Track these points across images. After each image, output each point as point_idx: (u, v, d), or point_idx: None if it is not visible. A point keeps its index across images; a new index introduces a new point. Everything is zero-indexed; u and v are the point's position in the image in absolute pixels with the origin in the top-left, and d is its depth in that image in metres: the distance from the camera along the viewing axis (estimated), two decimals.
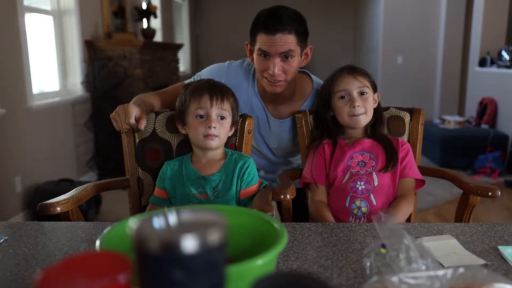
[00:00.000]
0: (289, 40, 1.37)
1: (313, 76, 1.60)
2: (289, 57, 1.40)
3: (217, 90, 1.27)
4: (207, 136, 1.25)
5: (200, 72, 1.62)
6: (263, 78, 1.45)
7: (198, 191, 1.27)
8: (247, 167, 1.28)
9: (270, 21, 1.36)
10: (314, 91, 1.56)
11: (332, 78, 1.41)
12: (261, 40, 1.39)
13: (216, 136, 1.25)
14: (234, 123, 1.33)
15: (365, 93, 1.37)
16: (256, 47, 1.42)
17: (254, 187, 1.29)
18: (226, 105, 1.27)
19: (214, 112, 1.25)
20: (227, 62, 1.60)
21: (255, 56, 1.45)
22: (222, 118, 1.27)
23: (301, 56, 1.45)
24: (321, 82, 1.56)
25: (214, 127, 1.24)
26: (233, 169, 1.28)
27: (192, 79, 1.54)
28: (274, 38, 1.36)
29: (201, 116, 1.26)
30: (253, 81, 1.56)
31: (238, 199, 1.28)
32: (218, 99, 1.25)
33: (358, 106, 1.34)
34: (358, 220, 1.30)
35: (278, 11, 1.38)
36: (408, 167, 1.36)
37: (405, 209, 1.31)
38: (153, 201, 1.33)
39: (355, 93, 1.36)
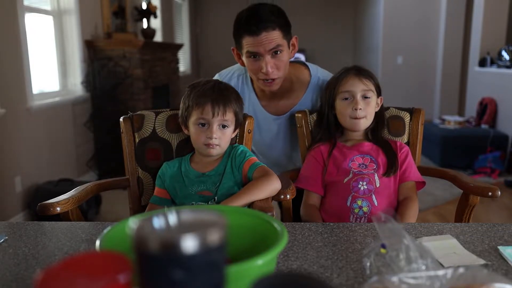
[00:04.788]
0: (275, 36, 1.37)
1: (309, 64, 1.59)
2: (279, 52, 1.40)
3: (220, 99, 1.25)
4: (207, 144, 1.25)
5: None
6: (258, 80, 1.45)
7: (200, 189, 1.28)
8: (236, 150, 1.31)
9: (252, 22, 1.35)
10: (315, 80, 1.56)
11: (338, 77, 1.41)
12: (247, 42, 1.38)
13: (217, 145, 1.26)
14: (238, 125, 1.34)
15: (368, 97, 1.36)
16: (244, 50, 1.41)
17: (250, 159, 1.29)
18: (229, 115, 1.26)
19: (216, 122, 1.25)
20: (216, 76, 1.60)
21: (244, 59, 1.44)
22: (224, 126, 1.27)
23: (289, 48, 1.45)
24: (319, 68, 1.57)
25: (215, 138, 1.25)
26: (227, 159, 1.30)
27: None
28: (260, 37, 1.35)
29: (203, 124, 1.26)
30: (247, 85, 1.57)
31: (243, 185, 1.27)
32: (220, 110, 1.24)
33: (360, 109, 1.34)
34: (358, 219, 1.30)
35: (257, 10, 1.37)
36: (409, 170, 1.36)
37: (414, 210, 1.32)
38: (154, 201, 1.33)
39: (358, 96, 1.36)
